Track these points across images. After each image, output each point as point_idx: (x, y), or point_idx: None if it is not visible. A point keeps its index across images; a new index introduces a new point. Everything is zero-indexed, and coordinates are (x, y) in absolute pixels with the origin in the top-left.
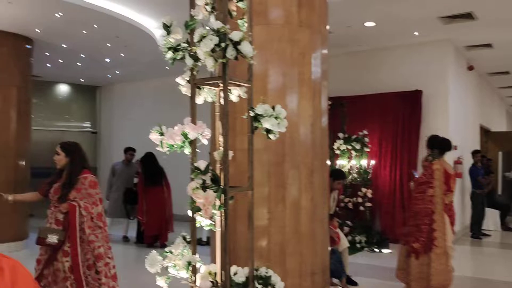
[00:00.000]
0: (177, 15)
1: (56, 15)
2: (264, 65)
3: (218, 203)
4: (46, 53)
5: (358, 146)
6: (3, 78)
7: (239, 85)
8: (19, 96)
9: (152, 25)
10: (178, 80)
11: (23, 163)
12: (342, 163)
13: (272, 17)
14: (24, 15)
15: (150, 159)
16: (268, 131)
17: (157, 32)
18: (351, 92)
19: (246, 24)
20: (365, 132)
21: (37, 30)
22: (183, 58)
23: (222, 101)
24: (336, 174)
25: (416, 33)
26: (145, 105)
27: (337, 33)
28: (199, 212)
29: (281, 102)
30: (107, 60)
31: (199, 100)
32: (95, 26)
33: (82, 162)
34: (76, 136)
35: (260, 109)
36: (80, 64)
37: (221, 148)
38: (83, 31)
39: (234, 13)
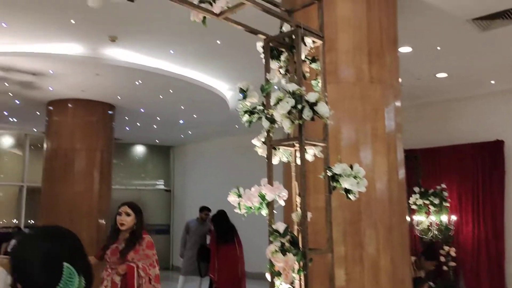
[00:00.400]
0: (248, 77)
1: (136, 82)
2: (337, 123)
3: (297, 266)
4: (126, 117)
5: (436, 201)
6: (90, 143)
7: (314, 145)
8: (102, 159)
9: (224, 87)
10: (254, 141)
11: (104, 222)
12: (420, 219)
13: (342, 76)
14: (109, 84)
15: (221, 217)
16: (347, 191)
17: (228, 93)
18: (424, 144)
19: (319, 84)
20: (443, 185)
21: (118, 97)
22: (259, 120)
23: (298, 161)
24: (430, 254)
25: (492, 82)
26: (216, 163)
27: (407, 85)
28: (279, 277)
29: (355, 158)
30: (181, 121)
31: (274, 160)
32: (170, 91)
33: (145, 222)
34: (151, 194)
35: (338, 168)
36: (155, 126)
37: (298, 209)
38: (160, 96)
39: (307, 74)
